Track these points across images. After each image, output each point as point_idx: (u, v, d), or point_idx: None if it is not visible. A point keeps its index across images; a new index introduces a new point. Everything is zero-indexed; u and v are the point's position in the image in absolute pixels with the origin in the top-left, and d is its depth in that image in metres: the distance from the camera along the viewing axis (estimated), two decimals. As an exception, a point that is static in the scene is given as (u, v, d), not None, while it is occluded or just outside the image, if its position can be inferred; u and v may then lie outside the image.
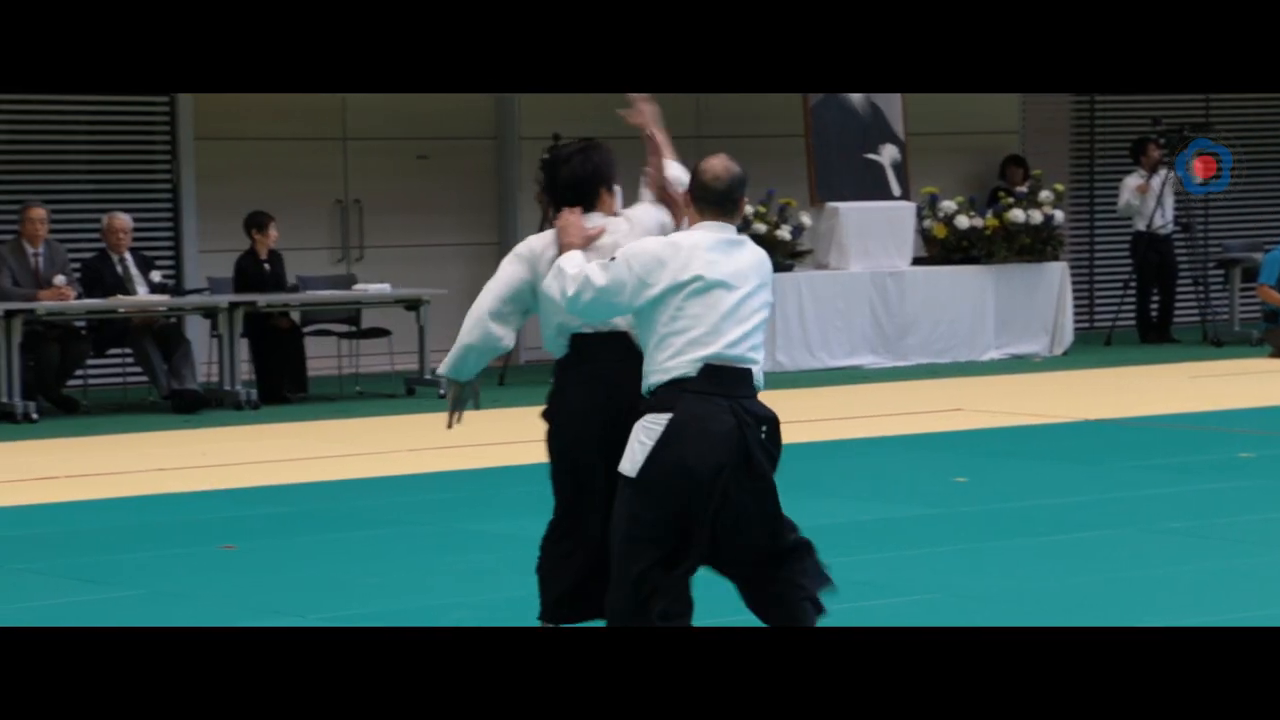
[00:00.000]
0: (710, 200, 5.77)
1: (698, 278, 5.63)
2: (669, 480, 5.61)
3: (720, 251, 5.70)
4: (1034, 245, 16.43)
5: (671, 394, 5.63)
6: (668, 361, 5.65)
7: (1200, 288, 17.56)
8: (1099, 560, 7.88)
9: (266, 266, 14.07)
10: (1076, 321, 17.12)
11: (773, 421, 5.69)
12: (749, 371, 5.66)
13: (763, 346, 5.78)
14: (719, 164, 5.81)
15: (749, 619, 5.82)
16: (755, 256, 5.78)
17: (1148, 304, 17.58)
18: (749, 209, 15.22)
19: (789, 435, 5.80)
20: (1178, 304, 17.77)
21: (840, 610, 7.00)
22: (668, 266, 5.65)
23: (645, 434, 5.65)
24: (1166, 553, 8.01)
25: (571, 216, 5.99)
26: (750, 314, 5.67)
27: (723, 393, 5.62)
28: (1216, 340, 16.98)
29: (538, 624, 6.20)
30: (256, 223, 14.09)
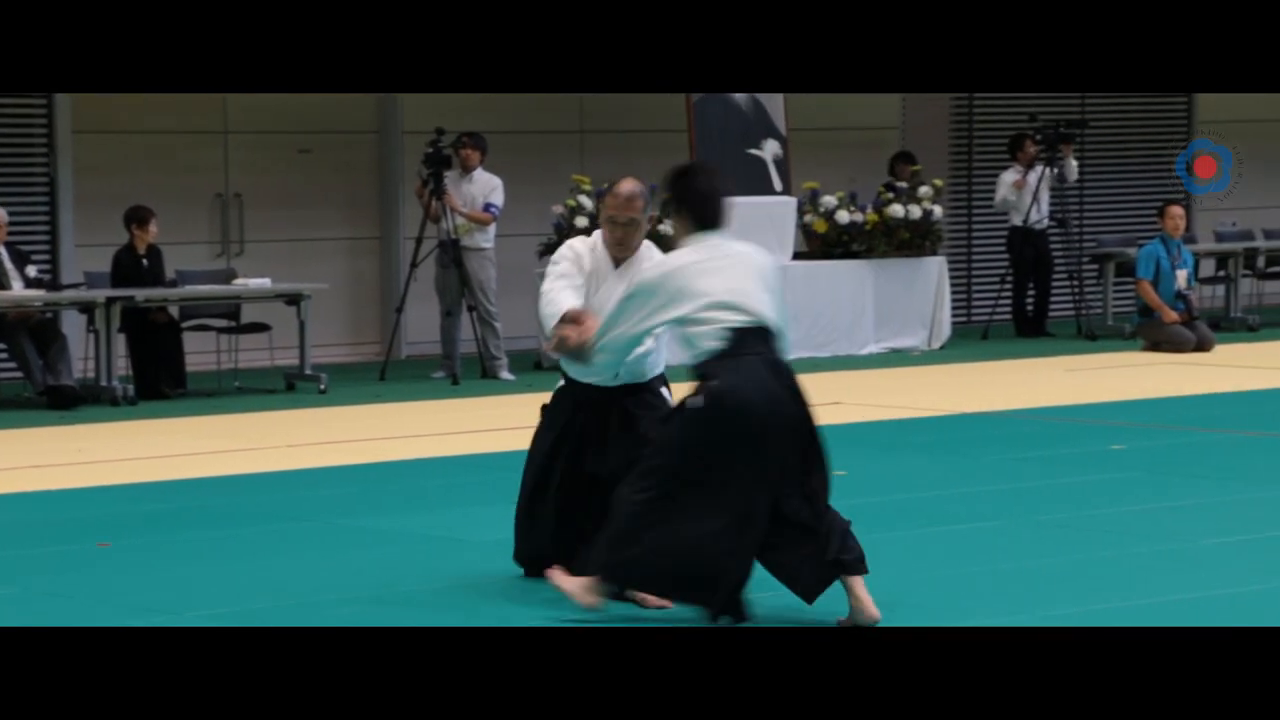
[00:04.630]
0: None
1: None
2: None
3: None
4: (913, 240, 16.58)
5: None
6: None
7: (1075, 282, 17.80)
8: (975, 552, 7.98)
9: (145, 261, 13.94)
10: (954, 316, 17.30)
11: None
12: None
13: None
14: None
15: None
16: None
17: (1024, 298, 17.78)
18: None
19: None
20: (1052, 298, 18.01)
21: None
22: None
23: None
24: (1041, 545, 8.12)
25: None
26: None
27: None
28: (1091, 334, 17.22)
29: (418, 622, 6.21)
30: (137, 218, 13.96)
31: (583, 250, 7.05)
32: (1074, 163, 17.58)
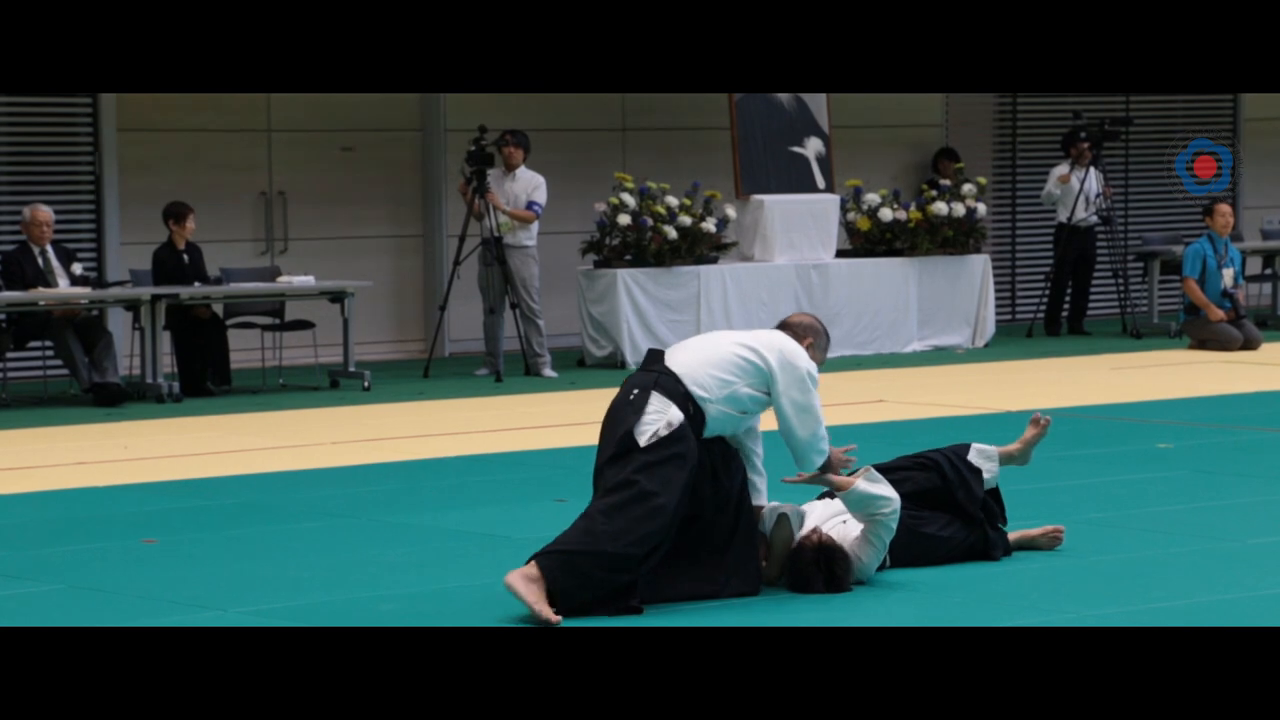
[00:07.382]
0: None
1: None
2: None
3: None
4: (956, 238, 16.54)
5: None
6: None
7: (1120, 280, 17.73)
8: (1022, 550, 7.94)
9: (185, 258, 14.00)
10: (998, 314, 17.26)
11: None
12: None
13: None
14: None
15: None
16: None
17: (1061, 297, 17.71)
18: (673, 201, 15.26)
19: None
20: (1097, 297, 17.92)
21: (762, 605, 7.05)
22: None
23: None
24: (1087, 543, 8.09)
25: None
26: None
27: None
28: (1136, 332, 17.15)
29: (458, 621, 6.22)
30: (174, 213, 14.02)
31: None
32: (1098, 174, 17.44)
